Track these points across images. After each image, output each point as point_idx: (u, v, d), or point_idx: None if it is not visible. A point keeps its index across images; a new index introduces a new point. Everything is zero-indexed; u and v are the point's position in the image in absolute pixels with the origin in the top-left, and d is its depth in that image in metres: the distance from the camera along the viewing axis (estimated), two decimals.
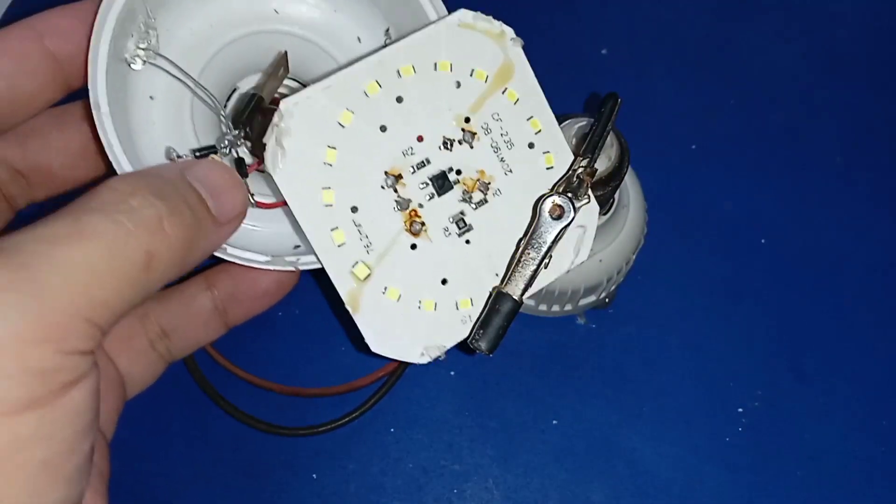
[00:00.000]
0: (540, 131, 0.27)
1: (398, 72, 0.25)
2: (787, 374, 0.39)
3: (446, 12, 0.27)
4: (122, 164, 0.25)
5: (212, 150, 0.26)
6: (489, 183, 0.27)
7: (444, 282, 0.26)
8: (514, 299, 0.26)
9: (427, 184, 0.26)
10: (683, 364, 0.39)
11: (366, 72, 0.25)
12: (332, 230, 0.25)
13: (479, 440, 0.38)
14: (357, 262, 0.25)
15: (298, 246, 0.28)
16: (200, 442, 0.38)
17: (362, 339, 0.26)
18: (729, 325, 0.40)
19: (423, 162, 0.26)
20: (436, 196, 0.26)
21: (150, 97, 0.28)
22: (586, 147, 0.27)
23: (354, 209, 0.25)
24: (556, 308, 0.39)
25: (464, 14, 0.26)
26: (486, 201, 0.27)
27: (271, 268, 0.26)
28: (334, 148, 0.25)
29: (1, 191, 0.28)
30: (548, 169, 0.27)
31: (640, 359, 0.40)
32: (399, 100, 0.25)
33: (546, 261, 0.26)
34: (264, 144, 0.25)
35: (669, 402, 0.39)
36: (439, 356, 0.27)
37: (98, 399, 0.20)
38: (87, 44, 0.25)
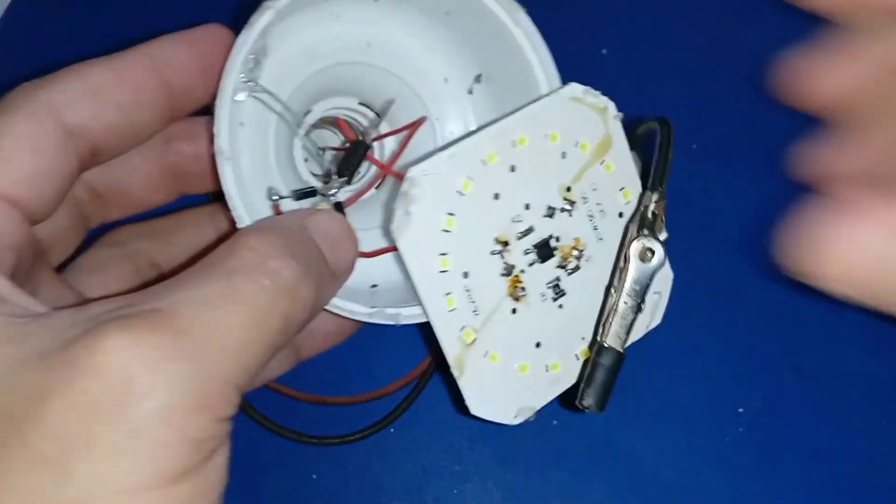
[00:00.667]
0: (629, 202, 0.28)
1: (514, 142, 0.26)
2: (788, 374, 0.39)
3: (554, 74, 0.29)
4: (242, 217, 0.25)
5: (310, 191, 0.27)
6: (583, 250, 0.28)
7: (538, 345, 0.27)
8: (618, 351, 0.26)
9: (530, 251, 0.27)
10: (683, 364, 0.39)
11: (487, 141, 0.26)
12: (446, 295, 0.26)
13: (479, 440, 0.38)
14: (465, 327, 0.26)
15: (376, 285, 0.29)
16: None
17: (461, 398, 0.26)
18: (729, 325, 0.40)
19: (528, 229, 0.27)
20: (537, 262, 0.27)
21: (241, 123, 0.28)
22: (653, 181, 0.27)
23: (466, 275, 0.26)
24: None
25: (574, 88, 0.27)
26: (579, 268, 0.28)
27: (373, 321, 0.27)
28: (453, 215, 0.25)
29: (80, 211, 0.28)
30: (625, 203, 0.28)
31: (639, 359, 0.40)
32: (512, 169, 0.26)
33: (642, 306, 0.27)
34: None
35: (669, 402, 0.39)
36: (530, 417, 0.27)
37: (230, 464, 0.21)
38: (203, 72, 0.25)
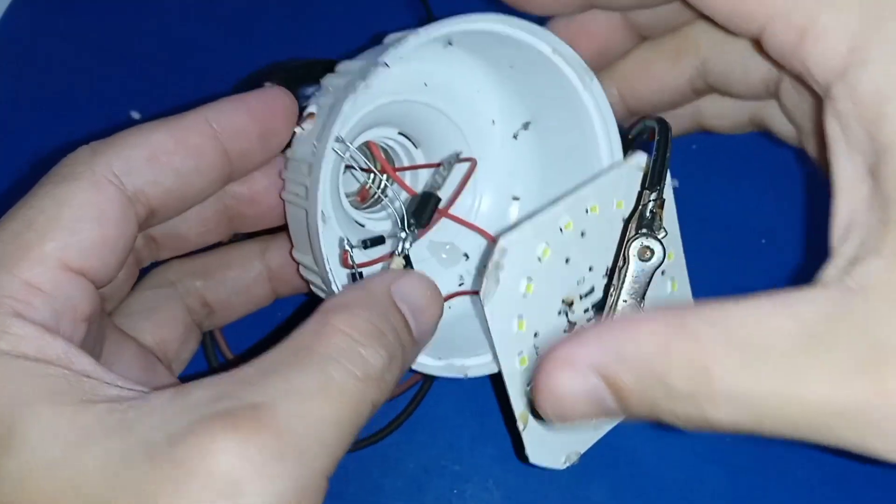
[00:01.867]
0: (673, 261, 0.29)
1: (587, 209, 0.27)
2: None
3: (612, 115, 0.29)
4: (336, 284, 0.26)
5: (380, 240, 0.28)
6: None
7: None
8: None
9: (590, 310, 0.28)
10: None
11: (566, 210, 0.27)
12: (519, 355, 0.27)
13: (479, 440, 0.38)
14: (531, 384, 0.27)
15: None
16: None
17: (521, 446, 0.28)
18: None
19: (591, 290, 0.28)
20: (594, 319, 0.28)
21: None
22: (651, 180, 0.28)
23: (536, 335, 0.27)
24: None
25: (641, 159, 0.28)
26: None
27: (443, 374, 0.28)
28: (532, 280, 0.26)
29: (136, 256, 0.28)
30: (670, 293, 0.30)
31: None
32: (583, 234, 0.27)
33: (642, 304, 0.27)
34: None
35: None
36: (575, 461, 0.29)
37: None
38: (262, 137, 0.26)
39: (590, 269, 0.28)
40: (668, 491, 0.37)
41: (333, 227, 0.29)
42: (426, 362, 0.28)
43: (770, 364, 0.18)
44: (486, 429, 0.38)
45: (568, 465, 0.29)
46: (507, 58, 0.30)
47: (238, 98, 0.26)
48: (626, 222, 0.28)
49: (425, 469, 0.38)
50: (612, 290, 0.27)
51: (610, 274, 0.28)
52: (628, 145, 0.29)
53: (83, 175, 0.22)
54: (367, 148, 0.32)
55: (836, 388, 0.18)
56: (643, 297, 0.27)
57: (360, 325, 0.21)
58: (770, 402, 0.19)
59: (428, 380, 0.38)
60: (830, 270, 0.20)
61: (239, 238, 0.32)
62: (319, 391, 0.19)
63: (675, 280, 0.30)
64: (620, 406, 0.20)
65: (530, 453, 0.28)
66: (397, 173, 0.32)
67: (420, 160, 0.33)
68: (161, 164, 0.24)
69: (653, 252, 0.26)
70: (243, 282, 0.31)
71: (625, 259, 0.27)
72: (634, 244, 0.27)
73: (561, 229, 0.27)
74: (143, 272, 0.30)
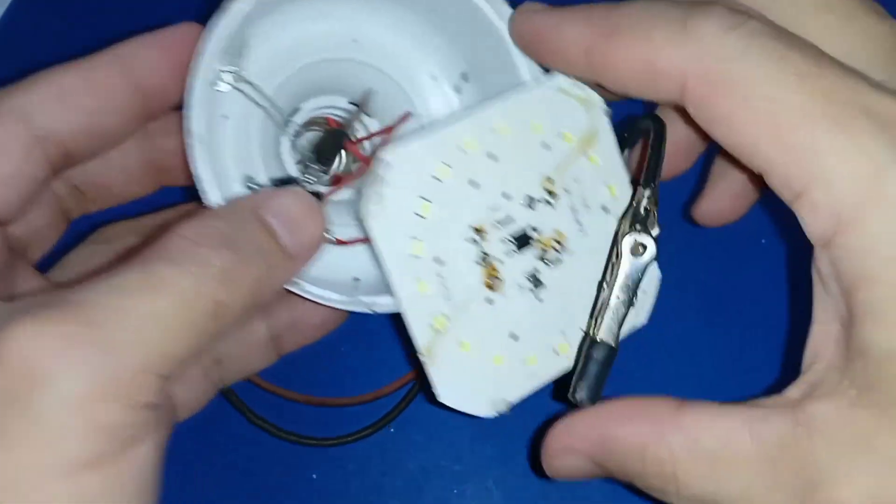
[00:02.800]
0: (616, 197, 0.28)
1: (494, 130, 0.26)
2: (788, 374, 0.39)
3: (537, 69, 0.28)
4: (209, 196, 0.25)
5: (289, 179, 0.27)
6: (564, 243, 0.27)
7: (514, 337, 0.27)
8: (611, 345, 0.26)
9: (508, 240, 0.27)
10: (683, 364, 0.39)
11: (466, 128, 0.26)
12: (417, 280, 0.25)
13: (479, 440, 0.38)
14: (436, 314, 0.26)
15: (358, 279, 0.28)
16: (197, 440, 0.38)
17: (430, 388, 0.26)
18: (729, 325, 0.40)
19: (506, 219, 0.26)
20: (515, 253, 0.27)
21: (224, 116, 0.28)
22: (646, 177, 0.27)
23: (439, 261, 0.26)
24: None
25: (563, 80, 0.27)
26: (561, 261, 0.27)
27: (348, 308, 0.27)
28: (428, 201, 0.25)
29: (59, 206, 0.28)
30: (611, 198, 0.28)
31: (640, 358, 0.40)
32: (491, 157, 0.26)
33: (634, 300, 0.27)
34: (341, 177, 0.26)
35: None
36: (504, 411, 0.27)
37: (164, 452, 0.20)
38: (175, 74, 0.25)
39: (505, 196, 0.26)
40: None
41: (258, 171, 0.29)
42: (332, 297, 0.27)
43: (729, 478, 0.22)
44: (485, 429, 0.38)
45: (493, 413, 0.27)
46: (425, 2, 0.29)
47: (149, 34, 0.26)
48: (620, 218, 0.28)
49: (425, 469, 0.38)
50: (604, 285, 0.27)
51: (603, 270, 0.27)
52: (624, 144, 0.29)
53: None
54: (327, 125, 0.31)
55: None
56: (636, 293, 0.26)
57: (205, 230, 0.21)
58: None
59: (420, 380, 0.38)
60: (794, 391, 0.23)
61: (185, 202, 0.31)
62: (141, 286, 0.19)
63: (612, 185, 0.28)
64: (607, 475, 0.25)
65: (441, 393, 0.26)
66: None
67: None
68: (70, 102, 0.24)
69: (645, 248, 0.26)
70: None
71: (618, 255, 0.26)
72: (627, 240, 0.26)
73: (461, 149, 0.26)
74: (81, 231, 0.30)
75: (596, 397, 0.26)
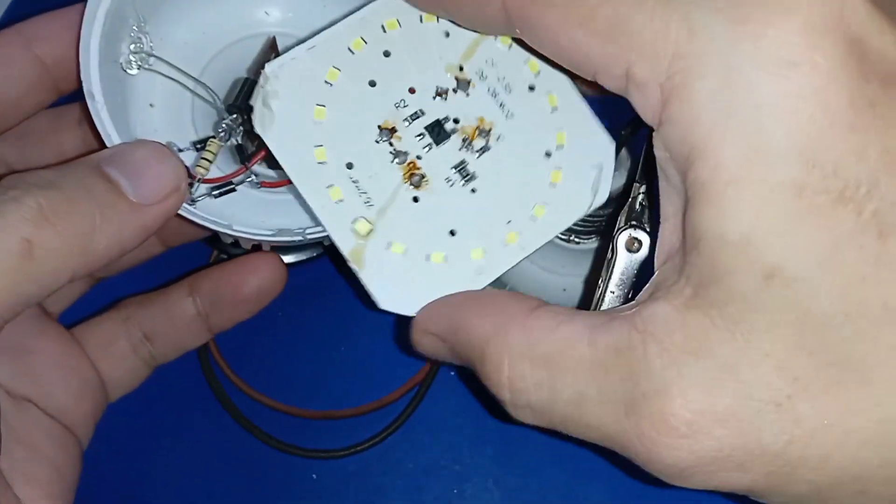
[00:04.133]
0: (539, 73, 0.27)
1: (383, 27, 0.25)
2: None
3: None
4: (112, 140, 0.25)
5: (207, 140, 0.26)
6: (490, 129, 0.26)
7: (452, 233, 0.26)
8: None
9: (423, 134, 0.26)
10: None
11: (349, 29, 0.25)
12: (328, 187, 0.25)
13: (479, 440, 0.38)
14: (357, 219, 0.25)
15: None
16: (199, 441, 0.38)
17: (366, 294, 0.25)
18: None
19: (416, 113, 0.26)
20: (433, 146, 0.26)
21: (151, 104, 0.28)
22: (641, 171, 0.27)
23: (350, 165, 0.25)
24: None
25: None
26: (489, 148, 0.26)
27: (278, 239, 0.26)
28: (323, 106, 0.25)
29: None
30: (552, 111, 0.27)
31: None
32: (387, 54, 0.25)
33: (629, 296, 0.26)
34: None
35: None
36: None
37: None
38: (76, 46, 0.25)
39: (411, 91, 0.25)
40: (668, 491, 0.37)
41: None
42: (259, 232, 0.26)
43: (563, 388, 0.20)
44: (485, 429, 0.38)
45: None
46: None
47: (53, 11, 0.27)
48: (615, 213, 0.27)
49: (425, 469, 0.38)
50: (600, 280, 0.27)
51: (598, 265, 0.27)
52: (622, 142, 0.28)
53: None
54: None
55: (608, 421, 0.20)
56: (631, 288, 0.26)
57: (22, 176, 0.21)
58: (559, 419, 0.21)
59: (425, 383, 0.38)
60: (641, 296, 0.21)
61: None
62: None
63: (532, 61, 0.27)
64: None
65: (378, 298, 0.25)
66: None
67: None
68: None
69: (641, 243, 0.26)
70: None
71: (613, 250, 0.26)
72: (623, 235, 0.26)
73: (350, 49, 0.25)
74: None
75: None
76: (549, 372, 0.21)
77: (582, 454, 0.38)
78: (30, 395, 0.26)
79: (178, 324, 0.31)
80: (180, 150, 0.26)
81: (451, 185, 0.26)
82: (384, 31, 0.25)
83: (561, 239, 0.35)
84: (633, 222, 0.26)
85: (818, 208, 0.17)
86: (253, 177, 0.27)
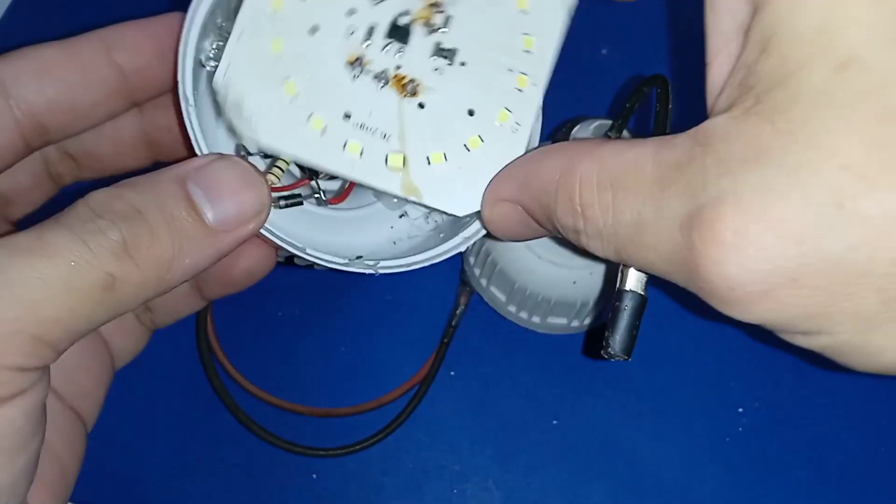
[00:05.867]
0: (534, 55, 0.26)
1: None
2: (788, 374, 0.39)
3: None
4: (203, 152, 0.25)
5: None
6: (441, 7, 0.25)
7: (471, 113, 0.25)
8: (640, 294, 0.24)
9: (389, 43, 0.25)
10: (683, 364, 0.39)
11: None
12: (344, 147, 0.24)
13: (479, 440, 0.38)
14: (386, 156, 0.24)
15: (360, 257, 0.27)
16: (199, 440, 0.38)
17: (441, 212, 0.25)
18: (728, 325, 0.40)
19: (370, 29, 0.25)
20: (404, 47, 0.25)
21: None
22: (657, 135, 0.24)
23: (348, 115, 0.24)
24: (523, 314, 0.39)
25: None
26: (451, 16, 0.25)
27: (350, 269, 0.26)
28: (288, 77, 0.24)
29: (48, 169, 0.28)
30: (523, 90, 0.26)
31: (640, 358, 0.40)
32: None
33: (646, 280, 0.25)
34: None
35: (669, 402, 0.39)
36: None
37: (42, 415, 0.20)
38: (158, 55, 0.26)
39: (351, 12, 0.24)
40: (668, 491, 0.37)
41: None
42: (333, 259, 0.25)
43: (624, 209, 0.19)
44: (485, 429, 0.38)
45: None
46: None
47: (134, 20, 0.27)
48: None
49: (425, 469, 0.38)
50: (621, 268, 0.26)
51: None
52: (626, 115, 0.28)
53: None
54: None
55: (664, 241, 0.18)
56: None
57: (112, 200, 0.21)
58: (622, 244, 0.20)
59: (425, 382, 0.38)
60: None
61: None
62: (27, 250, 0.19)
63: (526, 77, 0.26)
64: (540, 227, 0.23)
65: (454, 210, 0.25)
66: None
67: None
68: (47, 75, 0.24)
69: None
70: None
71: None
72: None
73: (274, 13, 0.24)
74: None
75: (629, 349, 0.24)
76: (614, 192, 0.20)
77: (582, 454, 0.38)
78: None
79: (177, 295, 0.30)
80: (249, 155, 0.25)
81: (442, 72, 0.25)
82: None
83: None
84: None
85: None
86: (321, 193, 0.26)
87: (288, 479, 0.37)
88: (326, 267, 0.26)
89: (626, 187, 0.19)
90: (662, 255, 0.19)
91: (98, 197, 0.21)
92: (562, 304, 0.37)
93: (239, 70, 0.24)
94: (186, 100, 0.24)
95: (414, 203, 0.25)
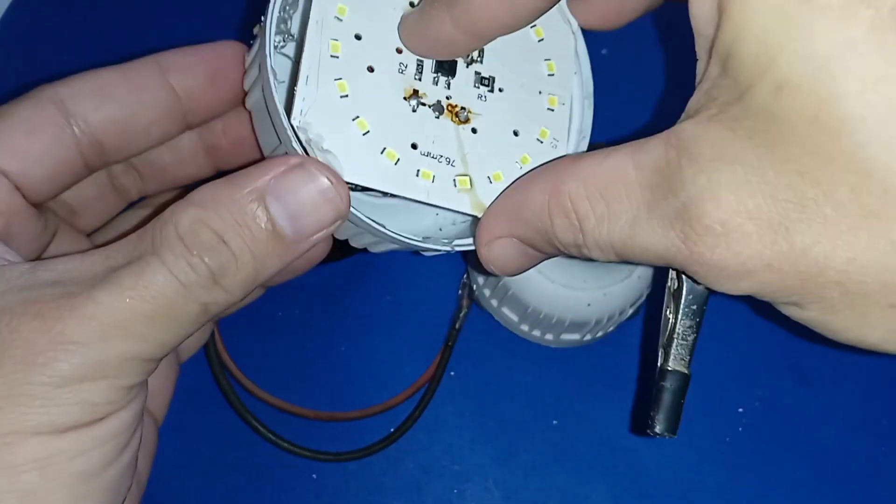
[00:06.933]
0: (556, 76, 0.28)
1: (336, 18, 0.26)
2: (788, 374, 0.39)
3: None
4: (291, 143, 0.25)
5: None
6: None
7: (516, 133, 0.27)
8: (683, 372, 0.26)
9: (437, 75, 0.27)
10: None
11: (317, 36, 0.25)
12: (418, 174, 0.26)
13: (479, 440, 0.38)
14: (454, 179, 0.26)
15: (428, 237, 0.28)
16: (199, 440, 0.38)
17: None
18: (729, 325, 0.40)
19: (419, 64, 0.27)
20: (451, 78, 0.27)
21: (282, 81, 0.28)
22: None
23: (415, 146, 0.26)
24: (536, 332, 0.39)
25: None
26: (484, 48, 0.27)
27: (427, 245, 0.27)
28: (358, 116, 0.25)
29: (112, 182, 0.29)
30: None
31: (639, 358, 0.40)
32: (358, 37, 0.26)
33: (700, 323, 0.26)
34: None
35: None
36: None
37: (141, 416, 0.23)
38: (213, 80, 0.27)
39: (398, 51, 0.26)
40: (668, 491, 0.37)
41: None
42: (409, 236, 0.26)
43: (620, 213, 0.21)
44: (485, 429, 0.38)
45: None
46: None
47: (188, 46, 0.28)
48: None
49: (425, 469, 0.38)
50: (668, 313, 0.26)
51: (665, 298, 0.27)
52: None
53: (29, 98, 0.25)
54: None
55: (659, 236, 0.21)
56: (702, 316, 0.26)
57: (196, 230, 0.22)
58: (620, 245, 0.22)
59: (430, 387, 0.38)
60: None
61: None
62: (133, 286, 0.21)
63: (555, 97, 0.28)
64: (540, 252, 0.25)
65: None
66: None
67: None
68: (105, 94, 0.26)
69: None
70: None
71: (678, 279, 0.25)
72: None
73: (334, 56, 0.25)
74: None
75: (675, 427, 0.26)
76: (607, 202, 0.22)
77: (582, 454, 0.38)
78: None
79: None
80: (327, 151, 0.26)
81: (485, 99, 0.27)
82: (340, 20, 0.26)
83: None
84: None
85: (828, 10, 0.17)
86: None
87: (288, 478, 0.37)
88: (404, 244, 0.27)
89: (616, 195, 0.21)
90: (659, 247, 0.21)
91: (184, 224, 0.22)
92: (577, 324, 0.37)
93: (314, 113, 0.25)
94: (274, 73, 0.25)
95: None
